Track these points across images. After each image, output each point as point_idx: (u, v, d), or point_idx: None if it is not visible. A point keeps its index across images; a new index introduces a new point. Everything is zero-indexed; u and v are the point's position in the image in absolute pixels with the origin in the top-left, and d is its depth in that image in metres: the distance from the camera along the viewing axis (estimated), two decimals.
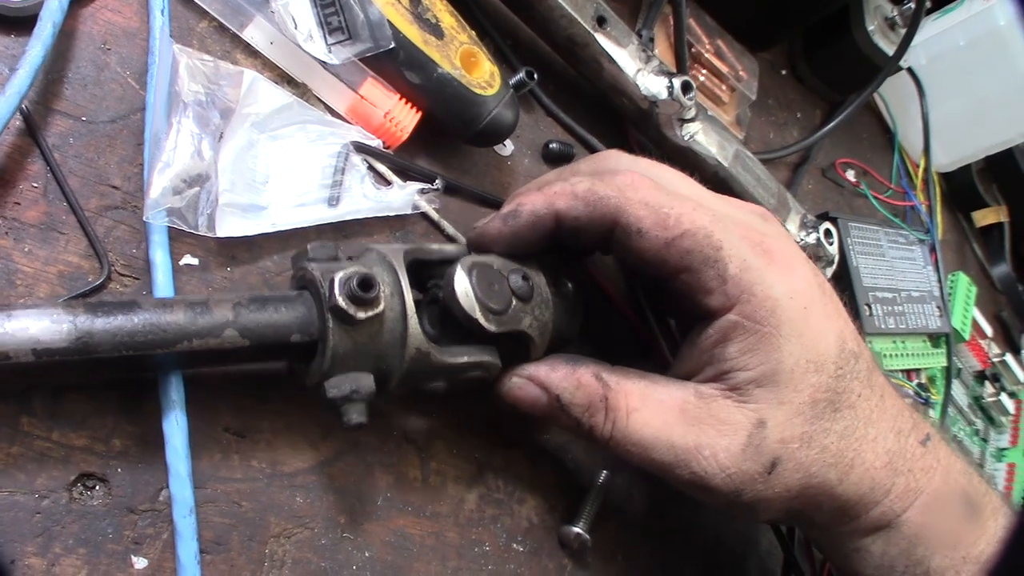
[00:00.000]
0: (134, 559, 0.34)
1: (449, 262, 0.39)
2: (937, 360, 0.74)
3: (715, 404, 0.39)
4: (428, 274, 0.40)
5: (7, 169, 0.35)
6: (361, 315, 0.34)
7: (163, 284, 0.36)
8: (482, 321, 0.37)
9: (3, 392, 0.33)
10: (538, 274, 0.41)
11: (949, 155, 0.88)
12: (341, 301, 0.33)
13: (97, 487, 0.34)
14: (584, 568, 0.47)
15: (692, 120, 0.56)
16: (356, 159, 0.44)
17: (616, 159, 0.45)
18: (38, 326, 0.29)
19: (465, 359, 0.38)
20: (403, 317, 0.36)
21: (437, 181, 0.45)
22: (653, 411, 0.39)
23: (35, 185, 0.35)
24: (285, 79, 0.43)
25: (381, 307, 0.34)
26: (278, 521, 0.38)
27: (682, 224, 0.38)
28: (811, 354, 0.39)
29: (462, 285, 0.37)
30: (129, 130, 0.38)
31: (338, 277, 0.34)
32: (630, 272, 0.52)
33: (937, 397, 0.73)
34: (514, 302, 0.39)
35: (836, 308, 0.41)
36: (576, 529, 0.45)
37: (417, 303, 0.37)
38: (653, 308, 0.51)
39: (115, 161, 0.37)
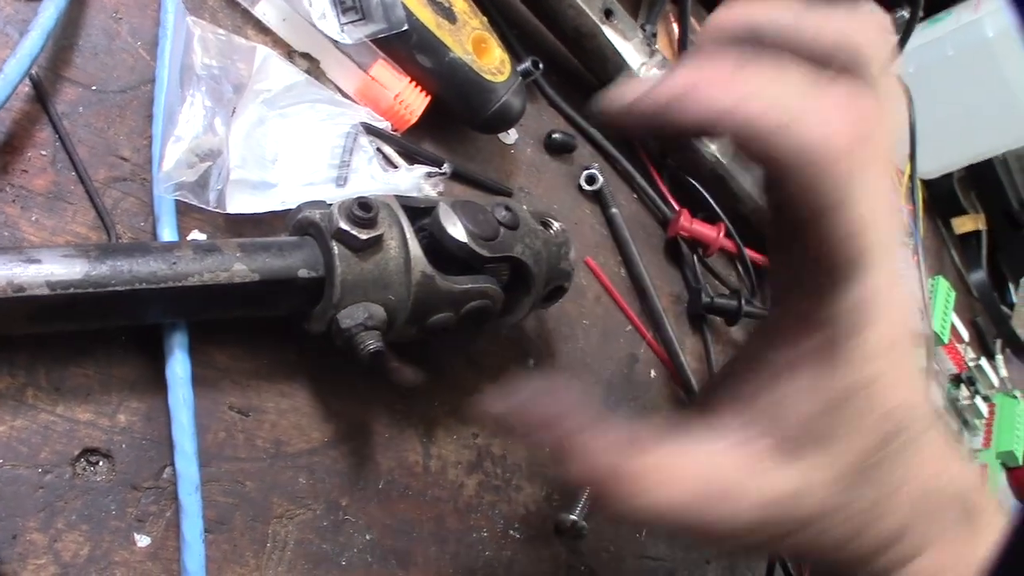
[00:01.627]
0: (137, 537, 0.34)
1: (432, 210, 0.39)
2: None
3: (756, 461, 0.33)
4: (415, 223, 0.39)
5: (15, 135, 0.34)
6: (364, 235, 0.34)
7: None
8: (473, 246, 0.38)
9: (15, 340, 0.32)
10: (521, 208, 0.42)
11: (933, 162, 0.90)
12: (343, 224, 0.34)
13: (101, 463, 0.34)
14: (578, 556, 0.47)
15: None
16: (364, 140, 0.43)
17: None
18: (53, 261, 0.29)
19: (469, 285, 0.38)
20: (404, 244, 0.36)
21: (445, 165, 0.45)
22: (692, 473, 0.32)
23: (43, 153, 0.35)
24: (295, 57, 0.43)
25: (381, 230, 0.35)
26: (281, 502, 0.37)
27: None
28: (875, 408, 0.32)
29: (448, 217, 0.38)
30: (139, 101, 0.38)
31: (336, 205, 0.35)
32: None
33: None
34: (502, 230, 0.39)
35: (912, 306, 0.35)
36: (572, 517, 0.46)
37: None
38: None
39: (124, 132, 0.37)
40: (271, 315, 0.37)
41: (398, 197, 0.39)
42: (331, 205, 0.37)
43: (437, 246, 0.38)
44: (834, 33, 0.29)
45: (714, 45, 0.31)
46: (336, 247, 0.35)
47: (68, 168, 0.35)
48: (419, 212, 0.39)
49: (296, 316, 0.37)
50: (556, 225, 0.44)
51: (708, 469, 0.32)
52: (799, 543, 0.33)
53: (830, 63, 0.29)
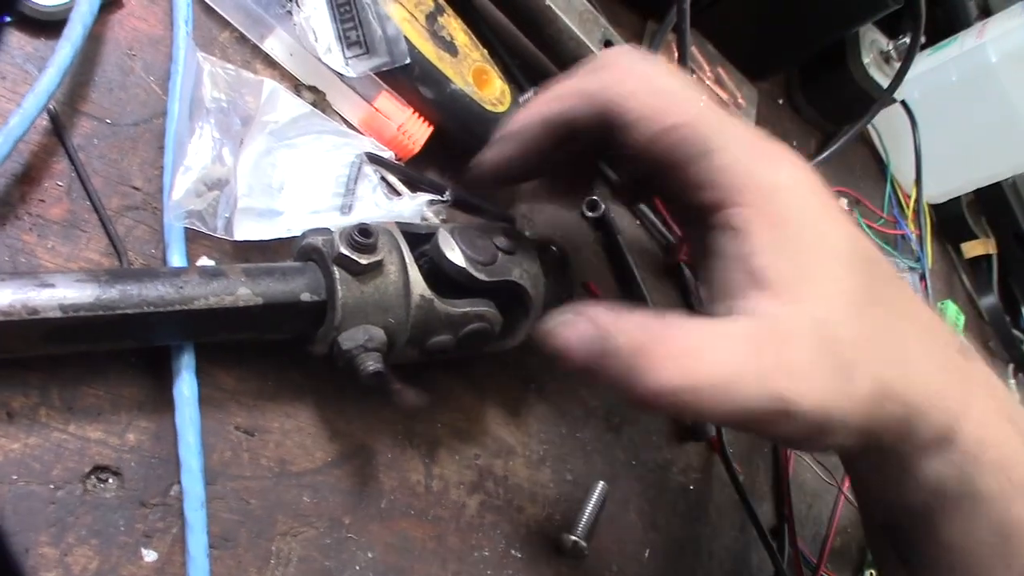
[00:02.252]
0: (144, 552, 0.35)
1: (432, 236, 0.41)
2: None
3: (768, 320, 0.34)
4: (415, 249, 0.40)
5: (33, 167, 0.36)
6: (364, 260, 0.36)
7: None
8: (471, 271, 0.39)
9: (29, 361, 0.33)
10: (522, 234, 0.43)
11: (939, 187, 0.90)
12: (344, 249, 0.36)
13: (110, 480, 0.35)
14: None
15: None
16: (368, 169, 0.45)
17: (613, 55, 0.41)
18: (66, 286, 0.31)
19: (467, 309, 0.40)
20: (404, 269, 0.38)
21: (447, 193, 0.46)
22: (723, 347, 0.33)
23: (59, 184, 0.36)
24: (302, 90, 0.45)
25: (381, 255, 0.37)
26: (285, 519, 0.38)
27: (670, 116, 0.36)
28: (831, 245, 0.35)
29: (447, 242, 0.39)
30: (151, 133, 0.39)
31: (337, 231, 0.36)
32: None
33: None
34: (500, 255, 0.41)
35: (838, 209, 0.37)
36: (573, 537, 0.46)
37: None
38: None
39: (137, 163, 0.39)
40: (275, 338, 0.38)
41: (399, 224, 0.40)
42: (334, 232, 0.38)
43: (437, 271, 0.40)
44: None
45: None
46: (337, 271, 0.36)
47: (83, 198, 0.37)
48: (421, 238, 0.41)
49: (300, 338, 0.38)
50: (555, 248, 0.45)
51: (741, 329, 0.34)
52: (865, 394, 0.33)
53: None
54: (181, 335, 0.35)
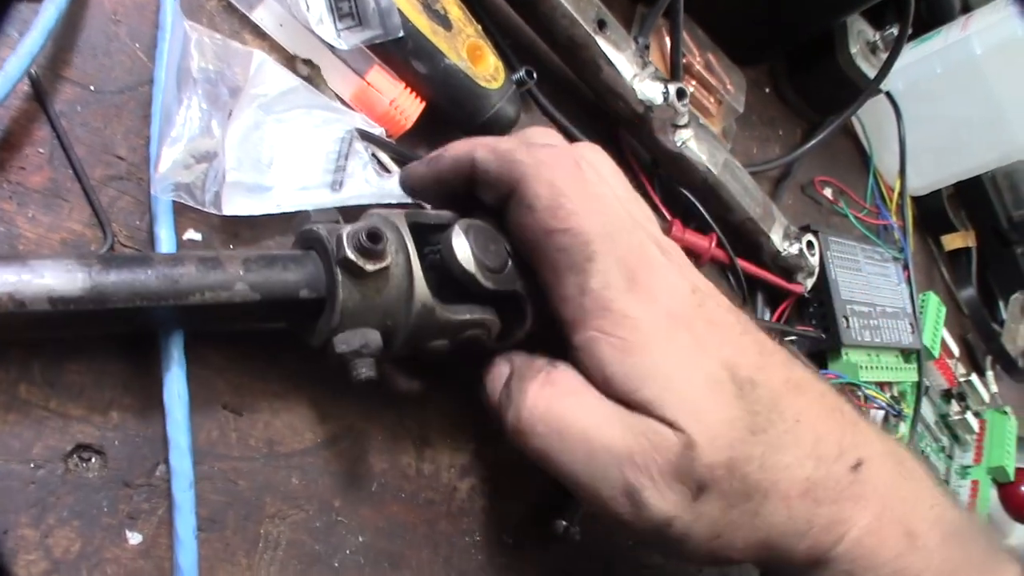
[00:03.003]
0: (128, 534, 0.33)
1: (445, 227, 0.39)
2: (908, 375, 0.76)
3: (646, 420, 0.35)
4: (425, 240, 0.39)
5: (13, 133, 0.34)
6: (370, 267, 0.34)
7: None
8: (480, 278, 0.37)
9: (15, 343, 0.32)
10: None
11: (921, 179, 0.90)
12: (350, 253, 0.34)
13: (93, 459, 0.33)
14: (570, 562, 0.47)
15: (685, 127, 0.57)
16: (359, 145, 0.44)
17: (543, 134, 0.43)
18: (54, 275, 0.29)
19: (467, 316, 0.38)
20: (409, 273, 0.36)
21: None
22: (594, 403, 0.36)
23: (41, 151, 0.35)
24: (297, 63, 0.43)
25: (388, 260, 0.35)
26: (273, 501, 0.37)
27: (570, 221, 0.36)
28: (702, 372, 0.36)
29: (460, 243, 0.37)
30: (136, 102, 0.38)
31: (346, 231, 0.34)
32: None
33: (908, 411, 0.75)
34: (509, 262, 0.39)
35: (718, 339, 0.37)
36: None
37: None
38: None
39: (121, 132, 0.37)
40: (267, 328, 0.37)
41: (408, 215, 0.39)
42: (339, 223, 0.37)
43: (443, 268, 0.38)
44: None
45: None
46: (340, 274, 0.34)
47: (65, 166, 0.35)
48: (429, 228, 0.39)
49: (292, 327, 0.37)
50: None
51: (616, 407, 0.36)
52: (714, 517, 0.35)
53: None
54: (171, 326, 0.34)
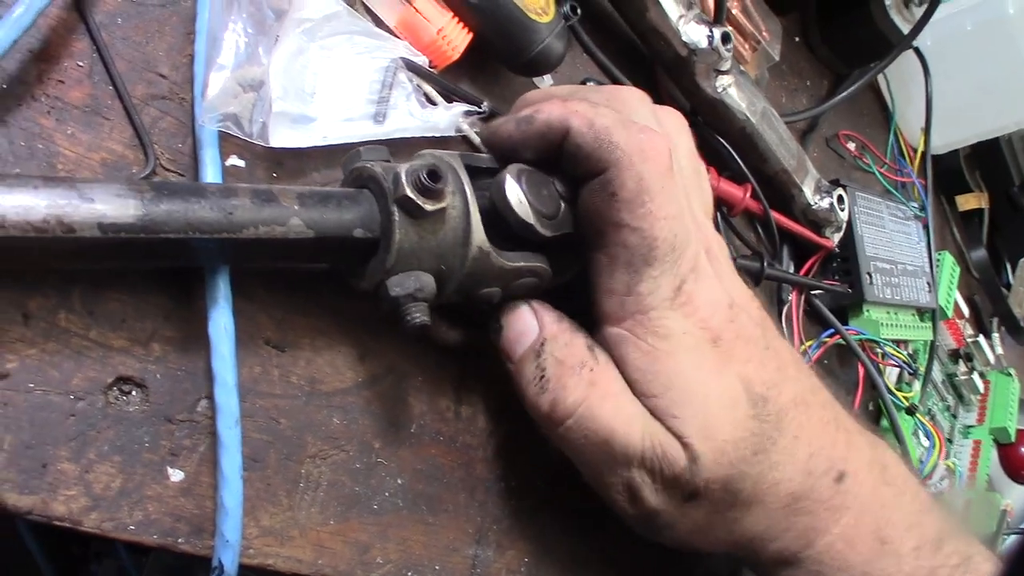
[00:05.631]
0: (170, 471, 0.32)
1: (494, 171, 0.37)
2: (923, 334, 0.75)
3: (661, 429, 0.37)
4: (474, 183, 0.37)
5: (52, 43, 0.32)
6: (429, 207, 0.32)
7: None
8: (537, 227, 0.36)
9: (52, 271, 0.30)
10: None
11: (941, 137, 0.89)
12: (409, 191, 0.32)
13: (134, 392, 0.32)
14: (601, 508, 0.47)
15: (727, 72, 0.55)
16: (403, 76, 0.42)
17: (638, 105, 0.41)
18: (105, 201, 0.27)
19: (522, 263, 0.37)
20: (466, 215, 0.35)
21: (484, 104, 0.44)
22: (626, 405, 0.37)
23: (80, 64, 0.33)
24: None
25: (447, 201, 0.33)
26: (315, 441, 0.36)
27: (645, 221, 0.35)
28: (720, 387, 0.37)
29: (514, 191, 0.36)
30: (179, 17, 0.36)
31: (404, 169, 0.32)
32: None
33: (921, 369, 0.75)
34: (563, 205, 0.38)
35: (744, 353, 0.38)
36: None
37: None
38: None
39: (163, 48, 0.35)
40: (315, 267, 0.36)
41: (464, 155, 0.37)
42: (389, 161, 0.35)
43: (494, 213, 0.36)
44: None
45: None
46: (397, 213, 0.33)
47: (105, 82, 0.33)
48: (479, 171, 0.38)
49: (340, 270, 0.36)
50: None
51: (643, 411, 0.37)
52: (696, 519, 0.38)
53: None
54: (220, 260, 0.32)
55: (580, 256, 0.39)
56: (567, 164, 0.37)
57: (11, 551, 0.75)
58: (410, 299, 0.33)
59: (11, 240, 0.26)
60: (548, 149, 0.38)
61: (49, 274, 0.30)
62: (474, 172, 0.37)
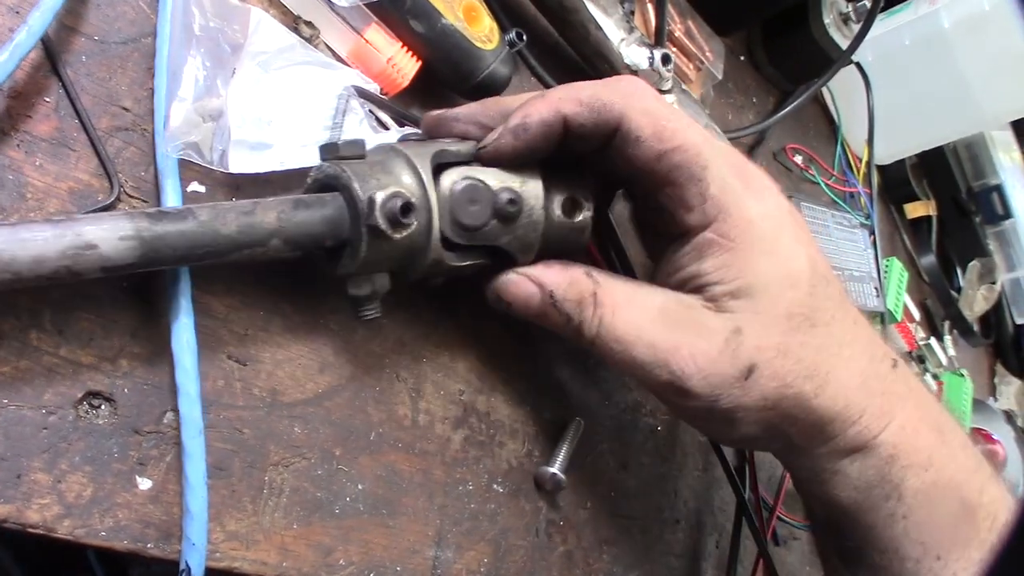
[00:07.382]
0: (139, 479, 0.34)
1: (467, 163, 0.40)
2: None
3: (694, 310, 0.40)
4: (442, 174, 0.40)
5: (20, 81, 0.34)
6: (397, 236, 0.36)
7: None
8: (447, 234, 0.39)
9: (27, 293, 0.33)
10: (540, 196, 0.41)
11: (887, 148, 0.93)
12: (381, 222, 0.35)
13: (103, 406, 0.34)
14: (557, 510, 0.49)
15: (668, 92, 0.58)
16: (356, 103, 0.44)
17: (630, 79, 0.43)
18: (109, 246, 0.30)
19: (467, 263, 0.41)
20: (427, 231, 0.38)
21: None
22: (637, 310, 0.40)
23: (47, 100, 0.35)
24: (300, 24, 0.44)
25: (413, 226, 0.37)
26: (277, 450, 0.38)
27: (676, 138, 0.39)
28: (785, 270, 0.40)
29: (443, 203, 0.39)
30: (140, 53, 0.38)
31: (379, 197, 0.35)
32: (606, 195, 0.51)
33: None
34: (492, 222, 0.40)
35: (807, 235, 0.42)
36: (551, 470, 0.47)
37: None
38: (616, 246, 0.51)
39: (126, 83, 0.37)
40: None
41: (438, 153, 0.39)
42: (365, 156, 0.38)
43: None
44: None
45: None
46: (366, 235, 0.36)
47: (71, 116, 0.35)
48: (448, 165, 0.40)
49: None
50: (583, 215, 0.43)
51: (663, 304, 0.41)
52: (766, 394, 0.39)
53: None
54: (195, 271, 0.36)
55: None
56: (576, 146, 0.41)
57: None
58: (366, 300, 0.38)
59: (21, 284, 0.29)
60: (551, 145, 0.40)
61: (20, 296, 0.32)
62: (441, 167, 0.39)
